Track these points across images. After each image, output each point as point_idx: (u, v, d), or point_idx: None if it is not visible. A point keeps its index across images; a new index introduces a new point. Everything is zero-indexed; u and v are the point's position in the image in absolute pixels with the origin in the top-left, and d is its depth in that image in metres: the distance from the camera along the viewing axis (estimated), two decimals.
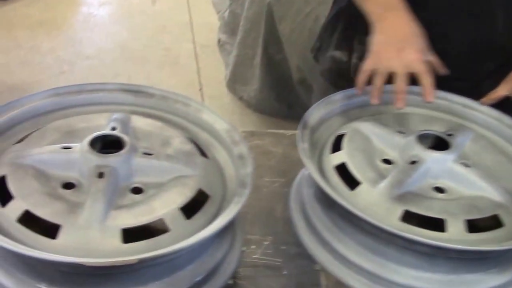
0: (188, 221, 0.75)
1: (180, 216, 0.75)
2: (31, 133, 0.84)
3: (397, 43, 0.95)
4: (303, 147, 0.87)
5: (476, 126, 1.02)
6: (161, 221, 0.73)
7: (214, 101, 2.94)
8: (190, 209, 0.76)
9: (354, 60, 1.18)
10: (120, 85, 0.95)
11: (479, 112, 1.02)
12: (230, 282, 0.82)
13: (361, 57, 1.05)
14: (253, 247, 0.89)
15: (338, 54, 1.22)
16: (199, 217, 0.76)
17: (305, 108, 0.98)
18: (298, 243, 0.90)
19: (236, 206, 0.74)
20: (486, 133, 1.00)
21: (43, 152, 0.79)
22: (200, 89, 3.04)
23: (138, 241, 0.71)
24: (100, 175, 0.75)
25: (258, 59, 2.71)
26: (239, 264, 0.84)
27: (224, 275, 0.81)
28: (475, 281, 0.82)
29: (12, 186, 0.74)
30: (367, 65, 0.96)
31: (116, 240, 0.70)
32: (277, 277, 0.84)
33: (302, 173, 1.02)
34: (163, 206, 0.75)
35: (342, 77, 1.17)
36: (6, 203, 0.72)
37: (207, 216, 0.77)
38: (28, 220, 0.71)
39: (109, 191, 0.74)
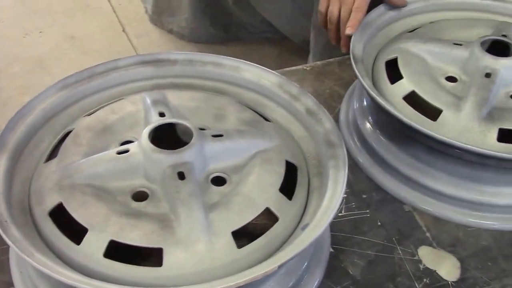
0: (291, 202, 0.65)
1: (283, 199, 0.65)
2: (60, 143, 0.70)
3: None
4: (368, 84, 0.78)
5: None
6: (267, 210, 0.63)
7: (142, 40, 2.72)
8: (285, 187, 0.66)
9: None
10: (134, 58, 0.80)
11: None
12: (331, 250, 0.74)
13: None
14: None
15: None
16: (298, 194, 0.67)
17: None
18: (376, 187, 0.82)
19: (341, 170, 0.65)
20: None
21: (96, 164, 0.65)
22: (123, 30, 2.80)
23: (249, 240, 0.61)
24: (181, 176, 0.62)
25: None
26: (330, 229, 0.76)
27: (324, 247, 0.73)
28: None
29: (76, 215, 0.60)
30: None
31: (230, 248, 0.59)
32: (375, 230, 0.77)
33: (346, 109, 0.93)
34: (261, 192, 0.64)
35: None
36: (80, 237, 0.59)
37: (304, 190, 0.68)
38: (116, 251, 0.59)
39: (198, 193, 0.62)
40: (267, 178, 0.65)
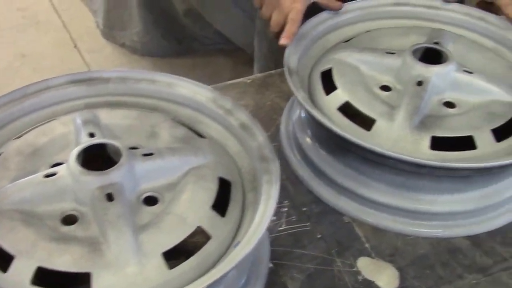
0: (224, 219, 0.64)
1: (216, 217, 0.64)
2: None
3: None
4: (303, 96, 0.78)
5: (447, 26, 0.97)
6: (199, 229, 0.62)
7: (95, 55, 2.69)
8: (218, 204, 0.66)
9: None
10: (66, 78, 0.79)
11: (447, 11, 0.97)
12: (270, 265, 0.74)
13: None
14: (274, 218, 0.80)
15: None
16: (232, 210, 0.66)
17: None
18: (316, 200, 0.83)
19: (273, 185, 0.64)
20: (459, 32, 0.96)
21: (23, 188, 0.63)
22: (75, 46, 2.77)
23: (181, 260, 0.60)
24: (110, 198, 0.61)
25: None
26: (270, 243, 0.75)
27: (263, 263, 0.73)
28: (508, 186, 0.80)
29: (3, 242, 0.59)
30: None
31: (161, 269, 0.58)
32: (314, 243, 0.77)
33: (286, 121, 0.93)
34: (193, 210, 0.63)
35: None
36: (8, 265, 0.57)
37: (239, 206, 0.67)
38: (45, 277, 0.57)
39: (128, 214, 0.61)
40: (199, 195, 0.65)
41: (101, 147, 0.67)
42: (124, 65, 2.63)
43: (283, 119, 0.94)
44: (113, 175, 0.62)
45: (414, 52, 0.84)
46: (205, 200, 0.64)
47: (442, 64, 0.82)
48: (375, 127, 0.77)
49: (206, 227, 0.62)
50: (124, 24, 2.62)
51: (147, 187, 0.66)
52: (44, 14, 2.96)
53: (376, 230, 0.79)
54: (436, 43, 0.88)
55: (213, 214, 0.64)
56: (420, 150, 0.75)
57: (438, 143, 0.75)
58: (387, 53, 0.86)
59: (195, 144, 0.71)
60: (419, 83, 0.80)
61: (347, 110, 0.80)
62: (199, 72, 2.44)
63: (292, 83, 0.79)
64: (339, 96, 0.81)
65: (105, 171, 0.62)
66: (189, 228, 0.62)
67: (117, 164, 0.63)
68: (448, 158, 0.74)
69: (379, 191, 0.79)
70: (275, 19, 0.90)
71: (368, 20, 0.97)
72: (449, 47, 0.89)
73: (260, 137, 0.71)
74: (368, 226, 0.79)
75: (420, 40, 0.90)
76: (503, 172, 0.78)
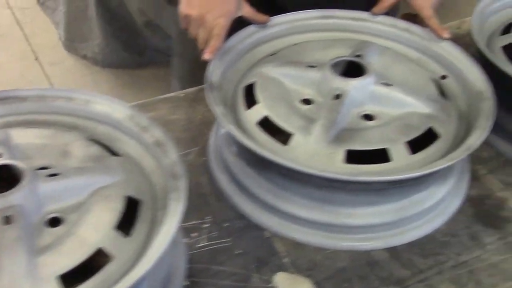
0: (128, 239, 0.64)
1: (119, 237, 0.63)
2: None
3: None
4: (221, 111, 0.78)
5: (373, 37, 0.98)
6: (100, 250, 0.62)
7: (56, 68, 2.67)
8: (125, 223, 0.65)
9: None
10: None
11: (374, 23, 0.98)
12: (186, 283, 0.73)
13: None
14: (195, 234, 0.80)
15: None
16: (139, 230, 0.65)
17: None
18: (239, 215, 0.82)
19: (178, 203, 0.64)
20: (385, 43, 0.96)
21: None
22: (36, 59, 2.74)
23: (81, 283, 0.60)
24: (7, 221, 0.60)
25: (92, 10, 2.47)
26: (187, 261, 0.75)
27: (176, 280, 0.72)
28: (424, 198, 0.80)
29: None
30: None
31: None
32: (233, 259, 0.77)
33: (214, 136, 0.92)
34: (95, 231, 0.63)
35: None
36: None
37: (146, 225, 0.66)
38: None
39: (26, 236, 0.60)
40: (103, 216, 0.64)
41: (6, 168, 0.66)
42: (86, 77, 2.61)
43: (212, 133, 0.94)
44: (12, 197, 0.61)
45: (334, 65, 0.84)
46: (109, 220, 0.64)
47: (360, 77, 0.82)
48: (292, 141, 0.77)
49: (108, 247, 0.62)
50: (84, 36, 2.61)
51: (52, 208, 0.65)
52: (6, 27, 2.93)
53: (296, 245, 0.79)
54: (358, 55, 0.88)
55: (117, 234, 0.63)
56: (334, 164, 0.75)
57: (354, 156, 0.76)
58: (309, 66, 0.86)
59: (106, 163, 0.70)
60: (337, 97, 0.81)
61: (266, 124, 0.80)
62: (161, 83, 2.43)
63: (211, 98, 0.79)
64: (259, 110, 0.81)
65: (4, 193, 0.61)
66: (89, 250, 0.61)
67: (18, 186, 0.62)
68: (362, 171, 0.75)
69: (299, 206, 0.79)
70: (201, 36, 0.90)
71: (296, 34, 0.97)
72: (373, 59, 0.89)
73: (172, 154, 0.71)
74: (289, 241, 0.79)
75: (345, 53, 0.90)
76: (419, 184, 0.79)
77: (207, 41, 0.89)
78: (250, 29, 0.94)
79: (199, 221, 0.82)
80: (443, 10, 1.00)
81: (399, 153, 0.76)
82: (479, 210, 0.84)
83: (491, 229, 0.81)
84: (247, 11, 0.93)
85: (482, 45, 0.91)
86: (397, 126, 0.79)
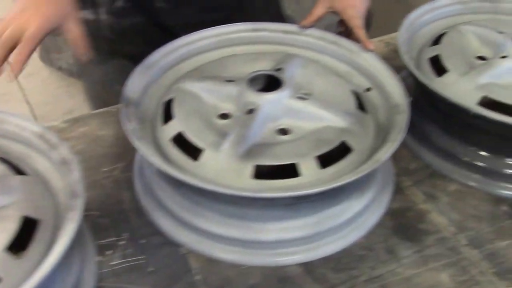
0: (20, 260, 0.64)
1: (10, 258, 0.63)
2: None
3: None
4: (131, 128, 0.77)
5: (303, 50, 0.98)
6: None
7: (31, 80, 2.68)
8: (20, 243, 0.65)
9: (102, 16, 1.08)
10: None
11: (303, 35, 0.98)
12: None
13: (111, 11, 1.02)
14: (109, 252, 0.79)
15: (85, 13, 1.08)
16: (32, 250, 0.65)
17: None
18: (157, 231, 0.82)
19: (71, 224, 0.64)
20: (314, 56, 0.96)
21: None
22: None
23: None
24: None
25: None
26: (97, 280, 0.75)
27: None
28: (340, 212, 0.80)
29: None
30: None
31: None
32: (144, 278, 0.76)
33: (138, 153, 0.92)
34: None
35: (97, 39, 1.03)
36: None
37: (43, 245, 0.66)
38: None
39: None
40: None
41: None
42: (61, 89, 2.62)
43: None
44: None
45: (253, 79, 0.84)
46: (0, 241, 0.63)
47: (274, 91, 0.82)
48: (202, 157, 0.77)
49: None
50: (60, 47, 2.61)
51: None
52: None
53: (211, 261, 0.78)
54: (279, 69, 0.88)
55: (7, 255, 0.63)
56: (242, 180, 0.74)
57: (263, 172, 0.75)
58: (227, 81, 0.86)
59: (6, 182, 0.70)
60: (250, 111, 0.80)
61: (180, 140, 0.80)
62: None
63: (124, 114, 0.79)
64: (174, 126, 0.81)
65: None
66: None
67: None
68: (269, 187, 0.74)
69: (212, 221, 0.78)
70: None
71: (224, 47, 0.97)
72: (296, 72, 0.89)
73: (75, 172, 0.70)
74: (204, 258, 0.79)
75: (269, 66, 0.90)
76: (332, 198, 0.78)
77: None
78: (176, 43, 0.93)
79: (116, 238, 0.81)
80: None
81: (309, 167, 0.76)
82: (399, 223, 0.83)
83: (408, 242, 0.81)
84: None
85: (406, 57, 0.91)
86: (310, 141, 0.79)
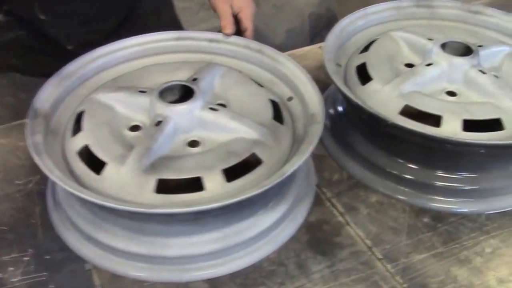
0: None
1: None
2: None
3: None
4: (33, 141, 0.75)
5: (228, 59, 0.96)
6: None
7: None
8: None
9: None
10: None
11: (228, 44, 0.96)
12: None
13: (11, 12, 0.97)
14: (12, 269, 0.77)
15: None
16: None
17: None
18: (63, 246, 0.80)
19: None
20: (239, 64, 0.94)
21: None
22: None
23: None
24: None
25: None
26: None
27: None
28: (249, 226, 0.77)
29: None
30: None
31: None
32: None
33: None
34: None
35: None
36: None
37: None
38: None
39: None
40: None
41: None
42: None
43: None
44: None
45: (164, 90, 0.82)
46: None
47: (184, 103, 0.80)
48: (104, 171, 0.74)
49: None
50: None
51: None
52: None
53: (115, 277, 0.76)
54: (195, 79, 0.86)
55: None
56: (144, 194, 0.72)
57: (167, 186, 0.73)
58: (141, 91, 0.84)
59: None
60: (158, 123, 0.78)
61: (85, 154, 0.77)
62: None
63: (28, 126, 0.77)
64: (81, 139, 0.79)
65: None
66: None
67: None
68: (173, 201, 0.72)
69: (116, 236, 0.76)
70: None
71: (147, 56, 0.95)
72: (215, 82, 0.87)
73: None
74: (108, 273, 0.77)
75: (188, 76, 0.88)
76: (240, 212, 0.76)
77: None
78: (96, 52, 0.91)
79: (20, 254, 0.79)
80: None
81: (214, 181, 0.73)
82: (315, 237, 0.81)
83: (321, 256, 0.78)
84: None
85: (329, 65, 0.89)
86: (219, 153, 0.77)
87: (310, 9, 2.06)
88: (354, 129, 0.93)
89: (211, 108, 0.81)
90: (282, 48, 2.08)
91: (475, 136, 0.81)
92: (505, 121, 0.83)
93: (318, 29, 2.14)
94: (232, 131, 0.79)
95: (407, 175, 0.87)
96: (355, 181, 0.90)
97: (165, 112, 0.79)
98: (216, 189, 0.73)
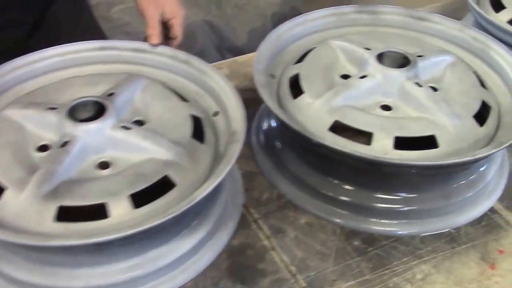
0: None
1: None
2: None
3: None
4: None
5: (154, 70, 0.90)
6: None
7: None
8: None
9: None
10: None
11: (154, 54, 0.90)
12: None
13: None
14: None
15: None
16: None
17: None
18: None
19: None
20: (166, 75, 0.89)
21: None
22: None
23: None
24: None
25: None
26: None
27: None
28: (163, 254, 0.72)
29: None
30: None
31: None
32: None
33: None
34: None
35: None
36: None
37: None
38: None
39: None
40: None
41: None
42: None
43: None
44: None
45: (76, 106, 0.76)
46: None
47: (94, 121, 0.74)
48: (3, 197, 0.69)
49: None
50: None
51: None
52: None
53: None
54: (112, 94, 0.80)
55: None
56: (43, 223, 0.67)
57: (70, 213, 0.68)
58: (51, 108, 0.78)
59: None
60: (64, 144, 0.73)
61: None
62: None
63: None
64: None
65: None
66: None
67: None
68: (75, 230, 0.66)
69: (19, 267, 0.70)
70: None
71: (69, 67, 0.89)
72: (135, 96, 0.82)
73: None
74: None
75: (107, 89, 0.83)
76: (149, 241, 0.71)
77: None
78: (11, 64, 0.85)
79: None
80: None
81: (120, 208, 0.68)
82: (237, 263, 0.76)
83: (240, 285, 0.74)
84: None
85: (259, 77, 0.84)
86: (129, 176, 0.71)
87: (273, 8, 2.01)
88: (286, 145, 0.88)
89: (124, 127, 0.75)
90: (244, 48, 2.03)
91: (406, 155, 0.76)
92: (440, 138, 0.78)
93: None
94: (144, 151, 0.74)
95: (340, 195, 0.82)
96: (286, 201, 0.85)
97: (73, 132, 0.73)
98: (122, 217, 0.68)
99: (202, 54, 1.88)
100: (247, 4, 1.97)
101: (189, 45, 1.90)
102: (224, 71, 1.11)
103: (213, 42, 1.96)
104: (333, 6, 1.01)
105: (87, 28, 1.09)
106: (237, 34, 1.96)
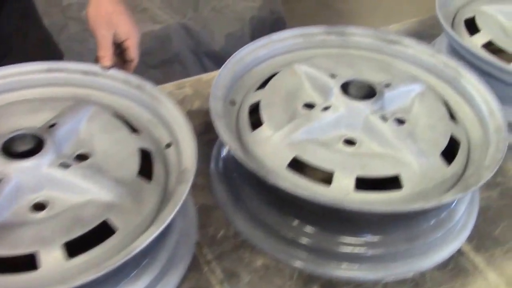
0: None
1: None
2: None
3: None
4: None
5: (105, 94, 0.84)
6: None
7: None
8: None
9: None
10: None
11: (105, 78, 0.84)
12: None
13: None
14: None
15: None
16: None
17: None
18: None
19: None
20: (116, 101, 0.83)
21: None
22: None
23: None
24: None
25: None
26: None
27: None
28: None
29: None
30: None
31: None
32: None
33: None
34: None
35: None
36: None
37: None
38: None
39: None
40: None
41: None
42: None
43: None
44: None
45: (10, 140, 0.70)
46: None
47: (29, 158, 0.68)
48: None
49: None
50: None
51: None
52: None
53: None
54: (53, 124, 0.74)
55: None
56: None
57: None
58: None
59: None
60: None
61: None
62: None
63: None
64: None
65: None
66: None
67: None
68: (1, 284, 0.61)
69: None
70: None
71: (11, 91, 0.83)
72: (81, 126, 0.76)
73: None
74: None
75: (51, 117, 0.77)
76: None
77: None
78: None
79: None
80: None
81: (52, 258, 0.62)
82: None
83: None
84: None
85: (215, 105, 0.78)
86: (64, 220, 0.66)
87: (251, 12, 1.94)
88: (244, 179, 0.83)
89: (63, 164, 0.69)
90: (222, 53, 1.96)
91: (368, 198, 0.71)
92: (404, 179, 0.73)
93: (264, 33, 2.02)
94: (84, 192, 0.68)
95: (299, 237, 0.77)
96: (242, 240, 0.80)
97: (5, 169, 0.67)
98: (53, 268, 0.62)
99: (177, 59, 1.82)
100: (224, 7, 1.91)
101: (164, 49, 1.83)
102: (187, 90, 1.05)
103: (189, 46, 1.90)
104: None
105: (38, 44, 1.03)
106: (215, 38, 1.89)
